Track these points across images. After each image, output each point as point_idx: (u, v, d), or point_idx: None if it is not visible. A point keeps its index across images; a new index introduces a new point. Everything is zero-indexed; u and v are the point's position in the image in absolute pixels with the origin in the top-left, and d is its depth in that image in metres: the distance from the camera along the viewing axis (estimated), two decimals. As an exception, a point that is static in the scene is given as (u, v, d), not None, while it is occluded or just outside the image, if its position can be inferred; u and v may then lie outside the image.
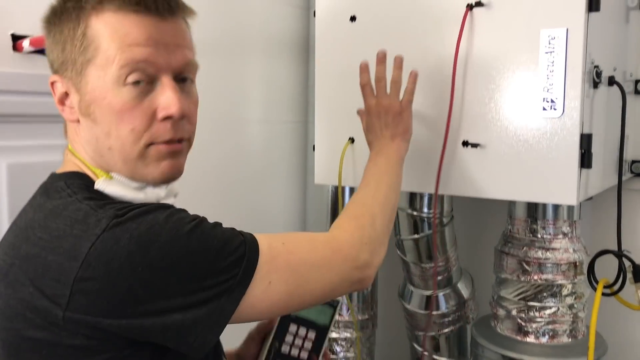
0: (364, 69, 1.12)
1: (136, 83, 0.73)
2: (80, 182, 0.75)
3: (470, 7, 1.12)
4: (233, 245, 0.71)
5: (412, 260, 1.51)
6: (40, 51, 1.03)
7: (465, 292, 1.56)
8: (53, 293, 0.66)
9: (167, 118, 0.75)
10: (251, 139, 1.56)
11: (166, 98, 0.74)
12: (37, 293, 0.67)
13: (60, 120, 1.03)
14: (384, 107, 1.07)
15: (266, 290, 0.73)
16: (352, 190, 1.54)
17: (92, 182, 0.76)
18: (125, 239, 0.66)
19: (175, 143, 0.77)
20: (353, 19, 1.27)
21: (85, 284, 0.65)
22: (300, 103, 1.66)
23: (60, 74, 0.76)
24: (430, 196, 1.45)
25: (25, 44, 1.03)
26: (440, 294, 1.55)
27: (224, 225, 0.75)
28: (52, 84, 0.77)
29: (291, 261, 0.76)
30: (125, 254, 0.65)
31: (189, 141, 0.81)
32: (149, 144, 0.75)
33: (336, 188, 1.55)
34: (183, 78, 0.78)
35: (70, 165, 0.79)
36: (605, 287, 1.23)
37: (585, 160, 1.06)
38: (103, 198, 0.73)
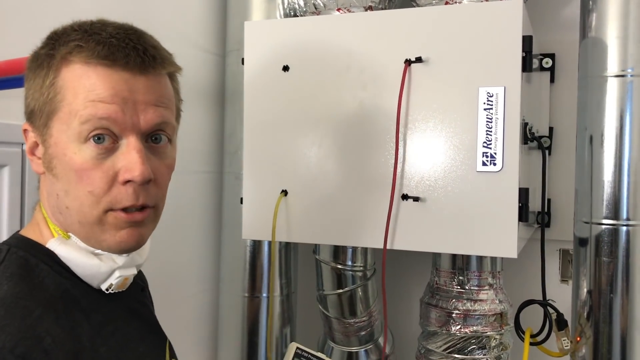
0: None
1: (98, 141, 0.67)
2: (22, 256, 0.69)
3: (409, 62, 1.14)
4: None
5: (335, 315, 1.47)
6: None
7: (387, 347, 1.53)
8: None
9: (128, 182, 0.68)
10: (162, 190, 1.43)
11: (128, 160, 0.67)
12: None
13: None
14: None
15: None
16: (286, 245, 1.48)
17: (39, 251, 0.69)
18: None
19: (135, 212, 0.70)
20: (286, 68, 1.24)
21: None
22: (214, 152, 1.58)
23: (31, 122, 0.71)
24: (353, 249, 1.42)
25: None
26: (362, 350, 1.51)
27: None
28: (24, 131, 0.73)
29: None
30: None
31: (156, 208, 0.73)
32: (108, 210, 0.68)
33: (255, 243, 1.48)
34: (155, 137, 0.71)
35: (33, 223, 0.74)
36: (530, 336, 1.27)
37: (523, 213, 1.10)
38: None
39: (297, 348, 1.09)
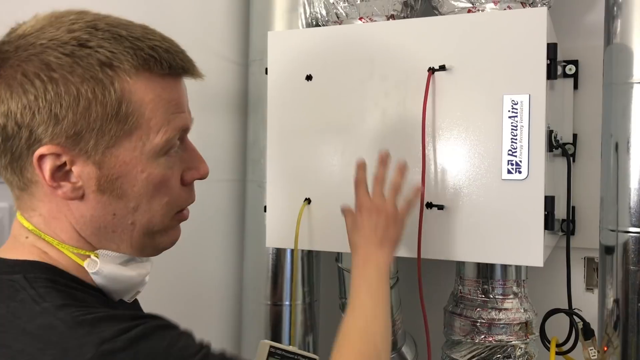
0: (361, 166, 1.06)
1: (172, 150, 0.67)
2: (46, 278, 0.62)
3: (432, 70, 1.14)
4: None
5: (358, 324, 1.46)
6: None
7: (409, 355, 1.53)
8: None
9: (192, 181, 0.71)
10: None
11: (195, 161, 0.71)
12: None
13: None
14: (377, 207, 0.99)
15: None
16: (308, 253, 1.49)
17: (59, 272, 0.64)
18: None
19: None
20: (309, 78, 1.25)
21: None
22: (237, 160, 1.59)
23: (65, 145, 0.61)
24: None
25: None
26: (385, 359, 1.51)
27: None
28: (41, 157, 0.62)
29: None
30: None
31: None
32: (175, 213, 0.70)
33: (277, 250, 1.49)
34: None
35: (28, 250, 0.65)
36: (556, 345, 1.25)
37: (549, 222, 1.09)
38: (77, 291, 0.62)
39: (271, 346, 0.98)
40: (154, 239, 0.69)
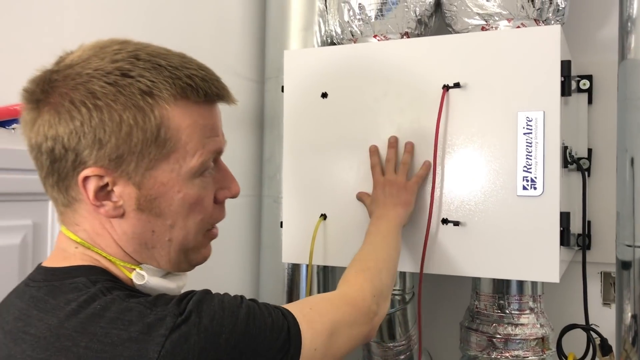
0: (373, 151, 1.21)
1: (206, 171, 0.71)
2: (106, 279, 0.67)
3: (447, 88, 1.15)
4: (279, 321, 0.69)
5: (375, 339, 1.47)
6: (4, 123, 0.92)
7: (425, 370, 1.53)
8: None
9: (224, 200, 0.75)
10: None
11: (228, 180, 0.75)
12: None
13: (20, 199, 0.92)
14: (390, 181, 1.15)
15: (313, 356, 0.72)
16: (324, 269, 1.50)
17: (114, 276, 0.69)
18: (193, 336, 0.60)
19: None
20: (324, 95, 1.26)
21: None
22: (253, 176, 1.61)
23: (108, 167, 0.65)
24: (392, 273, 1.42)
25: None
26: (401, 374, 1.51)
27: None
28: (85, 179, 0.65)
29: (324, 323, 0.76)
30: (198, 351, 0.60)
31: None
32: (208, 230, 0.75)
33: (293, 265, 1.50)
34: None
35: (79, 258, 0.70)
36: (573, 361, 1.25)
37: (565, 237, 1.09)
38: (132, 291, 0.67)
39: None
40: (188, 255, 0.74)
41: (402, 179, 1.15)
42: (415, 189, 1.15)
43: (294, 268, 1.50)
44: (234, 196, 0.76)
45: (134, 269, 0.70)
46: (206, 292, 0.67)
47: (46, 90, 0.65)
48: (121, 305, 0.62)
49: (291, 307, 0.74)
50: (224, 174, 0.75)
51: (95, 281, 0.65)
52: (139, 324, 0.60)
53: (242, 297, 0.70)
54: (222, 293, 0.70)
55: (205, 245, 0.76)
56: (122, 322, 0.60)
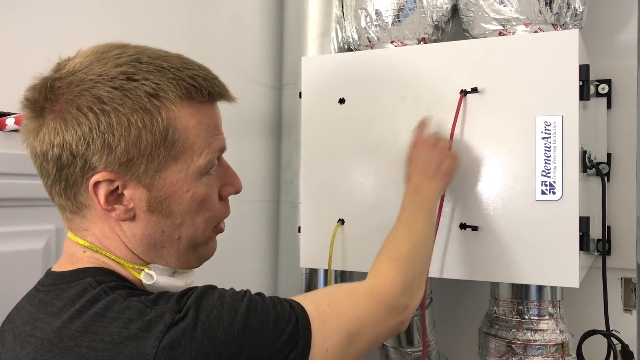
0: (424, 123, 1.16)
1: (212, 170, 0.73)
2: (112, 279, 0.68)
3: (464, 93, 1.15)
4: (285, 314, 0.69)
5: (392, 344, 1.47)
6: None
7: (444, 376, 1.52)
8: None
9: (228, 196, 0.77)
10: (221, 219, 1.47)
11: (231, 177, 0.76)
12: None
13: (43, 204, 0.93)
14: (433, 142, 1.09)
15: (325, 357, 0.70)
16: (342, 274, 1.50)
17: (121, 277, 0.70)
18: (191, 331, 0.61)
19: None
20: (342, 101, 1.27)
21: None
22: (271, 182, 1.62)
23: (118, 171, 0.66)
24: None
25: (10, 121, 0.94)
26: (419, 380, 1.50)
27: None
28: (96, 184, 0.66)
29: (342, 322, 0.73)
30: (195, 346, 0.61)
31: None
32: (214, 226, 0.76)
33: (311, 270, 1.50)
34: None
35: (86, 261, 0.70)
36: (594, 367, 1.24)
37: (584, 242, 1.09)
38: (139, 291, 0.67)
39: None
40: (197, 251, 0.75)
41: (445, 144, 1.10)
42: (457, 160, 1.11)
43: (312, 273, 1.50)
44: (237, 192, 0.77)
45: (142, 270, 0.71)
46: (208, 288, 0.68)
47: (50, 97, 0.65)
48: (122, 304, 0.62)
49: (306, 300, 0.73)
50: (227, 171, 0.77)
51: (102, 281, 0.66)
52: (139, 322, 0.61)
53: (247, 291, 0.71)
54: (230, 288, 0.71)
55: (212, 239, 0.77)
56: (122, 320, 0.61)
